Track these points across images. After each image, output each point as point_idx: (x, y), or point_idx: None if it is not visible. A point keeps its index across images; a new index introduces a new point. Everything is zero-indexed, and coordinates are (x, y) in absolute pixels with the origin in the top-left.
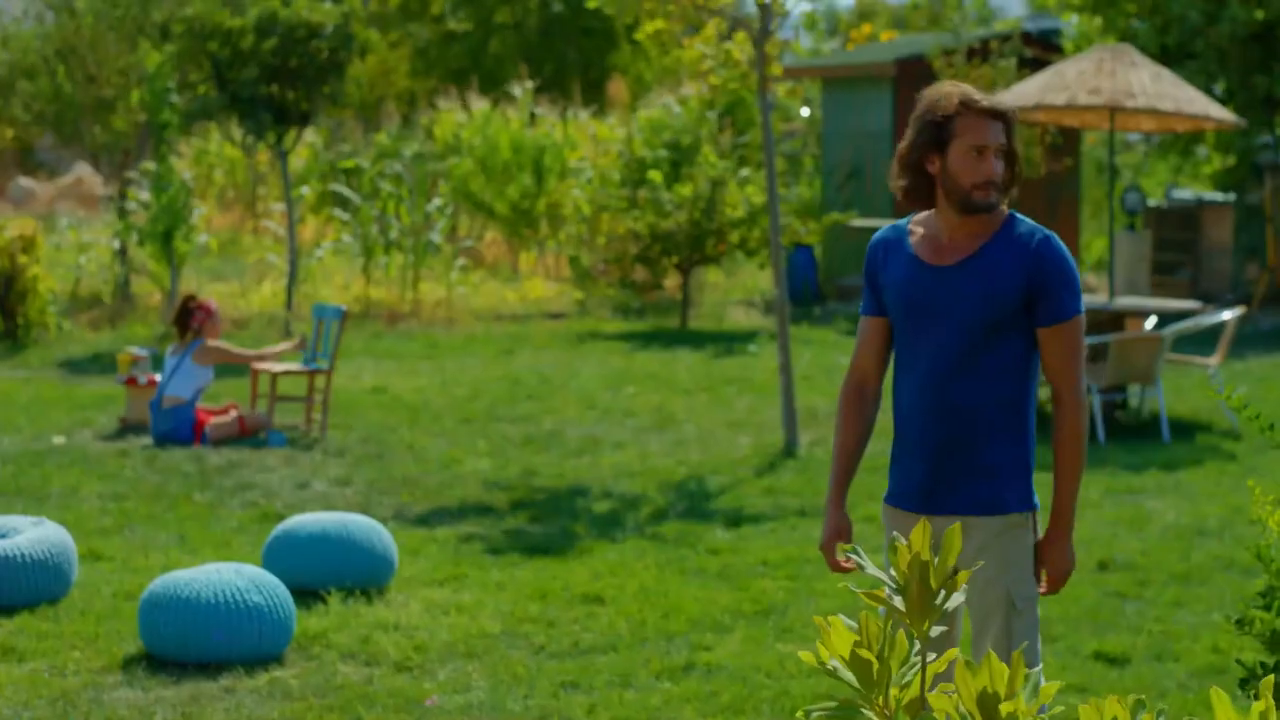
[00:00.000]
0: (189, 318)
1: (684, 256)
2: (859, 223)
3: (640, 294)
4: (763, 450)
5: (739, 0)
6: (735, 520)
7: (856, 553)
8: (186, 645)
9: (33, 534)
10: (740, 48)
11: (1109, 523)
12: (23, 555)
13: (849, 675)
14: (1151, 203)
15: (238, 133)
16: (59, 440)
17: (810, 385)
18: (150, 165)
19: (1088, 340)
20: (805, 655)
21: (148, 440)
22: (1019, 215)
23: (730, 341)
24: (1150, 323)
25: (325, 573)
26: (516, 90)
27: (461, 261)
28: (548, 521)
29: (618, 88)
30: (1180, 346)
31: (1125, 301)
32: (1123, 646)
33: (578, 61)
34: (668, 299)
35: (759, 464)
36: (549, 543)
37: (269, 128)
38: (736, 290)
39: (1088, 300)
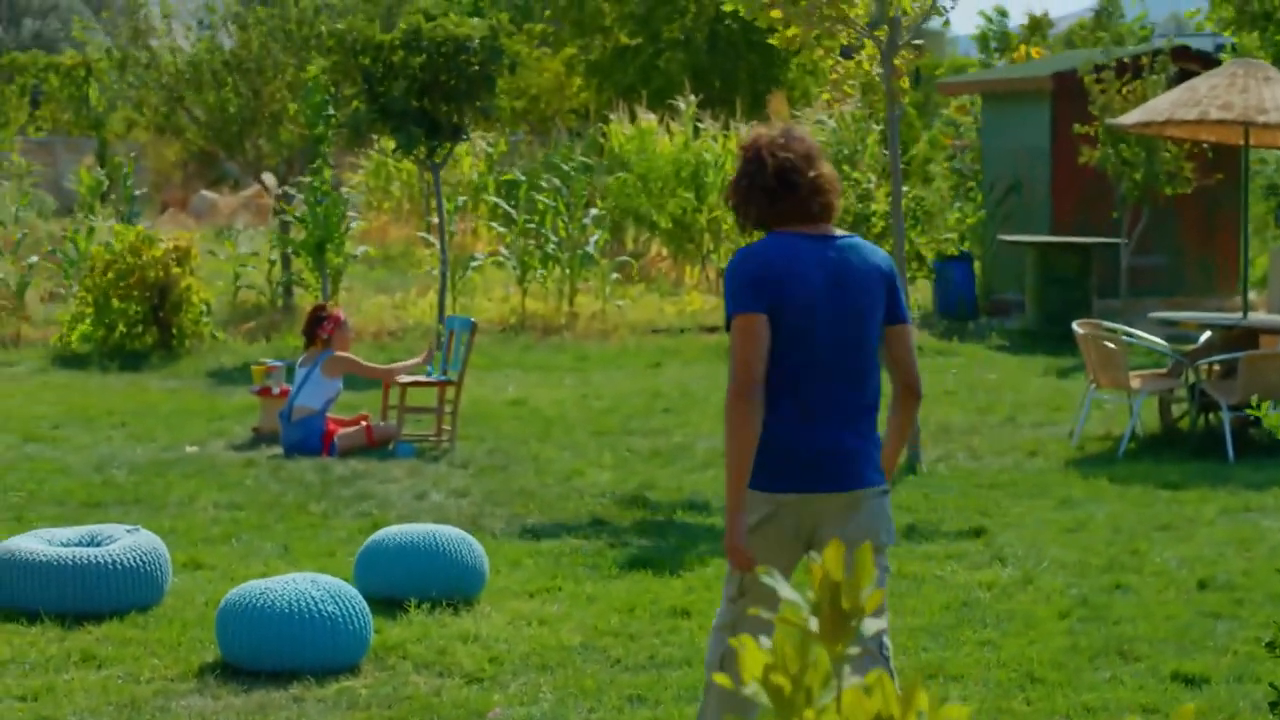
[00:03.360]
0: (318, 328)
1: None
2: (1015, 237)
3: None
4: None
5: (873, 11)
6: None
7: (771, 575)
8: (260, 654)
9: (126, 542)
10: (871, 60)
11: (1218, 542)
12: (115, 563)
13: (764, 698)
14: None
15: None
16: (191, 450)
17: (951, 400)
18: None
19: (1220, 357)
20: (719, 678)
21: (278, 450)
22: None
23: None
24: None
25: (413, 584)
26: (681, 105)
27: (615, 275)
28: (655, 535)
29: (779, 102)
30: None
31: (1258, 318)
32: (1204, 667)
33: (745, 76)
34: None
35: None
36: (650, 556)
37: (419, 141)
38: None
39: (1225, 318)
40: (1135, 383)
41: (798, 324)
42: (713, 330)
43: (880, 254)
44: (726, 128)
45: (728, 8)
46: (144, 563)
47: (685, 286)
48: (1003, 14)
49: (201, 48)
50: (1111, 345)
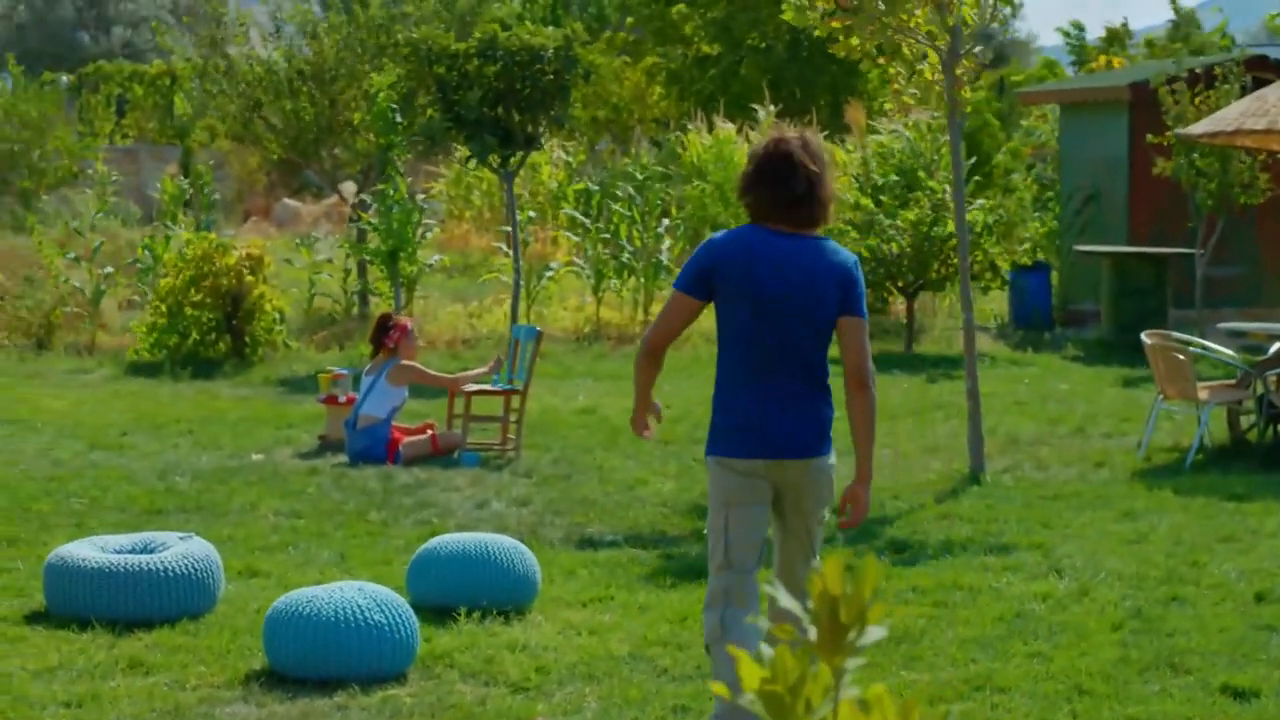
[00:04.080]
0: (384, 336)
1: (907, 281)
2: (1090, 247)
3: None
4: (949, 476)
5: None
6: (902, 546)
7: (771, 584)
8: (306, 662)
9: (178, 549)
10: (933, 69)
11: (1279, 555)
12: (166, 570)
13: (761, 710)
14: None
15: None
16: (257, 457)
17: (1021, 411)
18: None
19: None
20: (717, 687)
21: (343, 458)
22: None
23: (952, 366)
24: None
25: (463, 592)
26: (760, 114)
27: None
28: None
29: (855, 111)
30: None
31: None
32: (1254, 680)
33: (826, 86)
34: (898, 323)
35: (941, 490)
36: (705, 565)
37: (493, 150)
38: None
39: None
40: (1203, 394)
41: (749, 312)
42: None
43: (843, 253)
44: None
45: (787, 17)
46: (195, 570)
47: None
48: (1079, 28)
49: (278, 56)
50: (1180, 356)
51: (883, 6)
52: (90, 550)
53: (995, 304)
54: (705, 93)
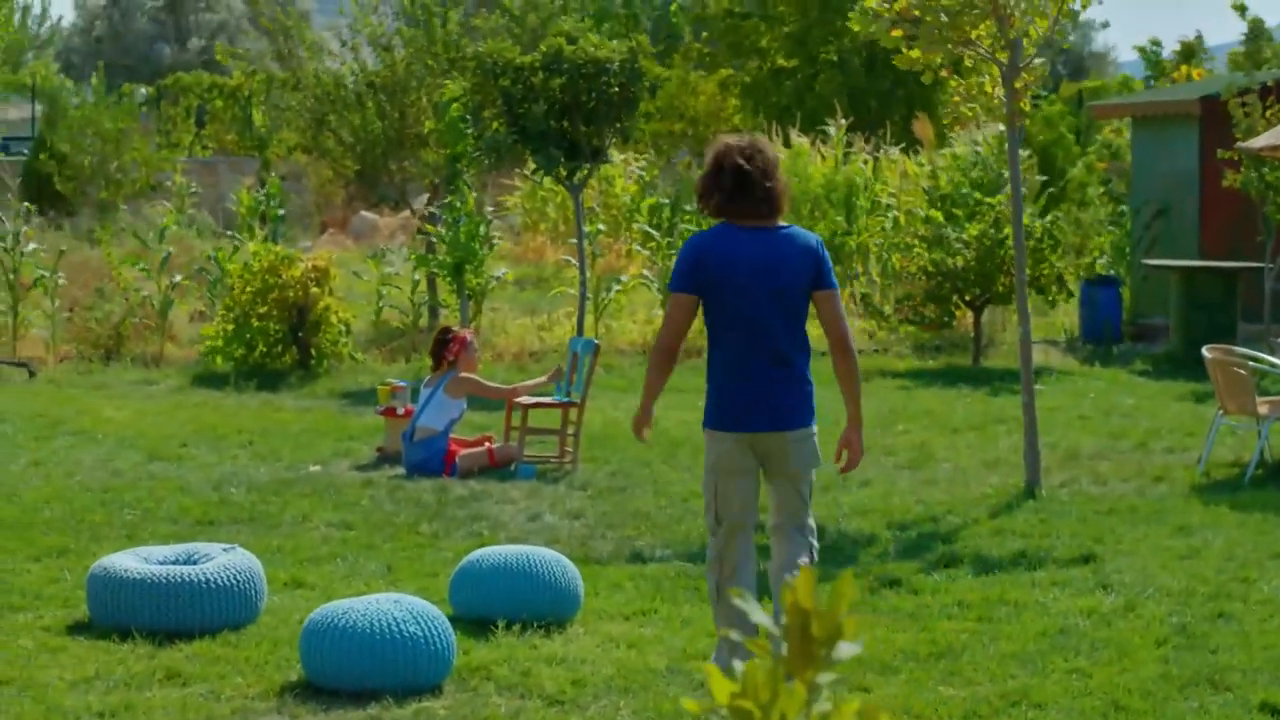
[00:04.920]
0: (444, 349)
1: (974, 294)
2: (1158, 261)
3: (930, 331)
4: (1005, 490)
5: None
6: (952, 560)
7: (743, 597)
8: (342, 674)
9: (221, 561)
10: (994, 82)
11: None
12: (208, 581)
13: None
14: None
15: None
16: (315, 469)
17: (1084, 426)
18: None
19: None
20: (688, 703)
21: (400, 471)
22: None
23: (1017, 380)
24: None
25: (504, 605)
26: (831, 128)
27: None
28: (763, 557)
29: (923, 126)
30: None
31: None
32: None
33: (902, 99)
34: (965, 336)
35: (996, 504)
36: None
37: (559, 163)
38: (1042, 329)
39: None
40: (1263, 409)
41: (734, 303)
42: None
43: (807, 236)
44: (876, 150)
45: (853, 26)
46: (237, 581)
47: None
48: (1156, 44)
49: (346, 70)
50: (1240, 371)
51: (945, 19)
52: (133, 561)
53: (1066, 318)
54: (780, 106)
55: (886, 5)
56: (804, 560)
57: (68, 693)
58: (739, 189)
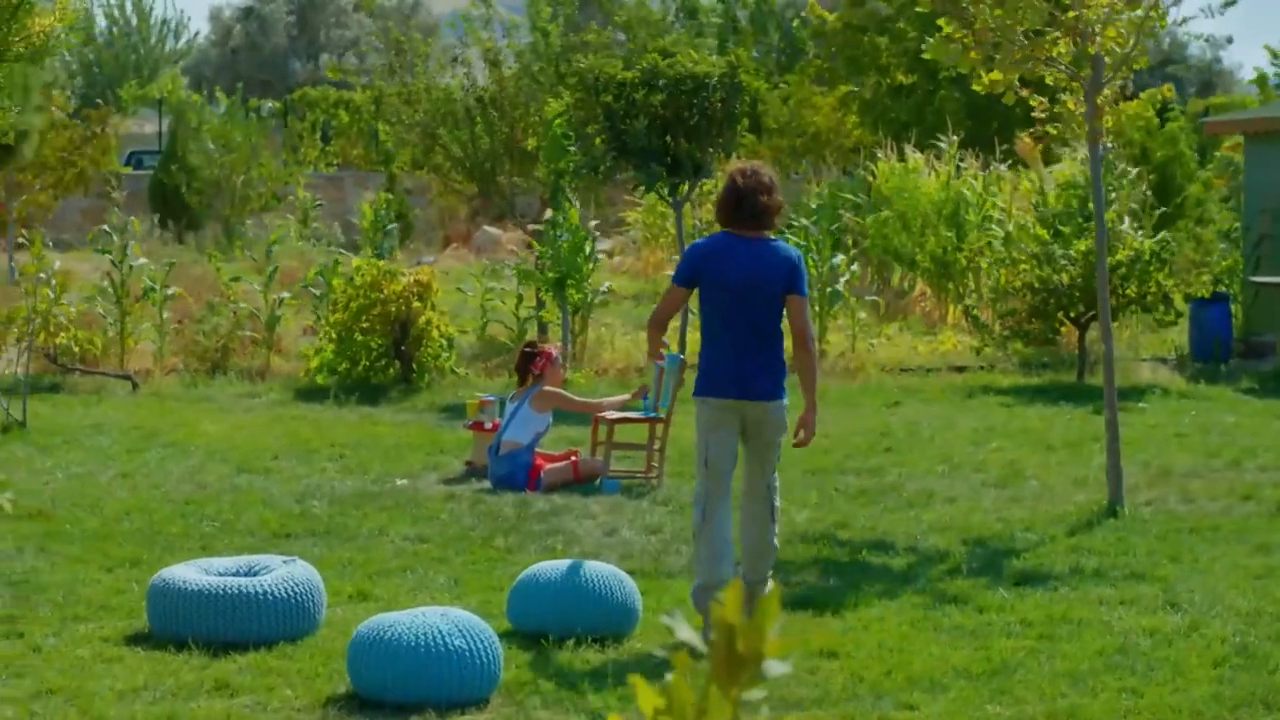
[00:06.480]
0: (529, 364)
1: (1078, 311)
2: (1266, 278)
3: (1034, 347)
4: (1088, 508)
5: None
6: (1023, 579)
7: (672, 616)
8: (388, 687)
9: (280, 573)
10: (1075, 100)
11: None
12: (266, 594)
13: None
14: None
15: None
16: (401, 483)
17: (1180, 443)
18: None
19: None
20: (614, 718)
21: (486, 484)
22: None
23: (1124, 398)
24: None
25: (560, 619)
26: (943, 144)
27: (863, 315)
28: (832, 574)
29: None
30: None
31: None
32: None
33: (1021, 118)
34: (1074, 354)
35: (1076, 522)
36: (820, 596)
37: (661, 179)
38: (1152, 346)
39: None
40: None
41: (720, 296)
42: (961, 370)
43: (791, 250)
44: (986, 167)
45: (929, 55)
46: (295, 594)
47: (944, 326)
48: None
49: (456, 84)
50: None
51: (1025, 41)
52: (193, 572)
53: (1178, 336)
54: (899, 121)
55: (965, 31)
56: (769, 528)
57: (114, 703)
58: (736, 205)
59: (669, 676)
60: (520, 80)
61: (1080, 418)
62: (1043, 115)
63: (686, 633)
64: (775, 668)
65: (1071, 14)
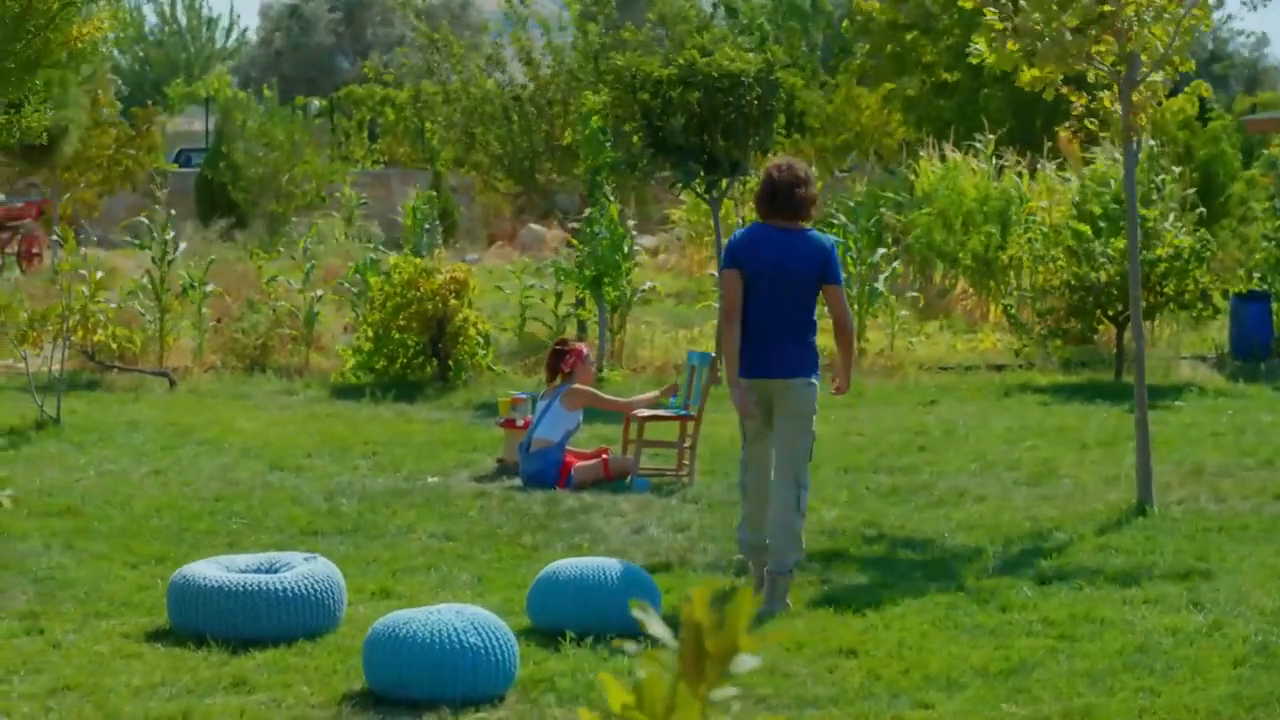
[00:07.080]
0: (560, 362)
1: (1116, 309)
2: None
3: (1071, 345)
4: (1117, 507)
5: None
6: (1048, 577)
7: (644, 610)
8: (403, 684)
9: (301, 570)
10: (1112, 97)
11: None
12: (285, 590)
13: None
14: None
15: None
16: (433, 480)
17: (1215, 442)
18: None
19: None
20: (585, 714)
21: (517, 482)
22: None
23: (1160, 396)
24: None
25: (578, 617)
26: (979, 143)
27: (904, 313)
28: (857, 572)
29: (1065, 140)
30: None
31: None
32: None
33: (1065, 114)
34: (1110, 352)
35: (1105, 521)
36: (843, 594)
37: (698, 176)
38: (1193, 344)
39: None
40: None
41: (757, 282)
42: (1000, 369)
43: (825, 239)
44: (1034, 165)
45: (988, 59)
46: (314, 591)
47: (986, 324)
48: None
49: (492, 83)
50: None
51: (1069, 37)
52: (213, 569)
53: (1218, 333)
54: (943, 119)
55: (1007, 22)
56: (792, 514)
57: (130, 699)
58: (771, 197)
59: (610, 679)
60: (558, 77)
61: (1116, 416)
62: (1080, 111)
63: (658, 627)
64: (746, 663)
65: (1108, 8)
